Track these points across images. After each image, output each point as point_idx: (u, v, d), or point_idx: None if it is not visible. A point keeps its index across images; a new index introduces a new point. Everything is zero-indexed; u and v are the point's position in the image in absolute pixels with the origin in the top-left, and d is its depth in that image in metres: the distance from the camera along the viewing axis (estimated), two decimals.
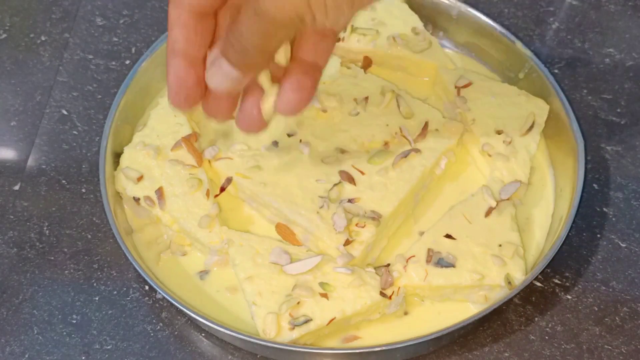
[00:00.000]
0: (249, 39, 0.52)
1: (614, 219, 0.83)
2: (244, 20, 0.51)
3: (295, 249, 0.74)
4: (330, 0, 0.50)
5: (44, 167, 0.86)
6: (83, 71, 0.93)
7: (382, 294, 0.72)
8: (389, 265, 0.74)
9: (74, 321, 0.76)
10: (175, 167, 0.78)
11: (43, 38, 0.97)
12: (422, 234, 0.77)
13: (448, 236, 0.75)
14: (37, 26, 0.98)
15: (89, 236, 0.81)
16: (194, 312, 0.70)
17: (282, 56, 0.56)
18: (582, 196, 0.76)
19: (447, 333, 0.69)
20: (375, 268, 0.74)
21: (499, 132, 0.82)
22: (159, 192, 0.77)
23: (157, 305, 0.77)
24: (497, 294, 0.73)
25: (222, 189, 0.79)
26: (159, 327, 0.76)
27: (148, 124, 0.83)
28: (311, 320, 0.70)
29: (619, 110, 0.91)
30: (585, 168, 0.78)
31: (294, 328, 0.69)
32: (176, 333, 0.76)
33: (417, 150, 0.79)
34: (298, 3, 0.50)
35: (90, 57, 0.95)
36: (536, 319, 0.77)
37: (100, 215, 0.82)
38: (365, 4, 0.52)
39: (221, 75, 0.54)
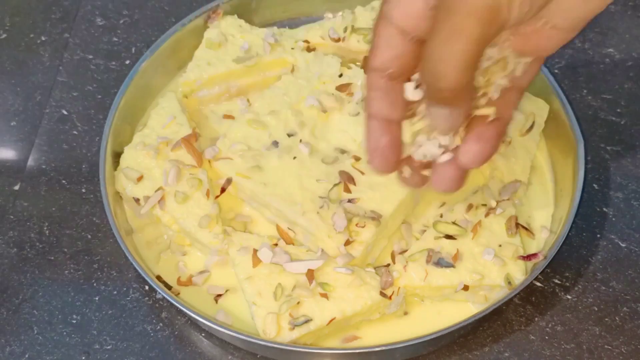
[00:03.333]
0: (444, 53, 0.47)
1: (614, 219, 0.83)
2: (435, 32, 0.47)
3: (296, 249, 0.74)
4: None
5: (44, 167, 0.86)
6: (83, 71, 0.93)
7: (382, 294, 0.72)
8: (389, 265, 0.74)
9: (74, 321, 0.76)
10: (175, 168, 0.78)
11: (43, 38, 0.97)
12: (422, 233, 0.76)
13: (448, 236, 0.75)
14: (37, 26, 0.98)
15: (89, 236, 0.81)
16: (194, 312, 0.70)
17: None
18: (582, 196, 0.76)
19: (447, 333, 0.69)
20: (375, 268, 0.74)
21: None
22: (159, 192, 0.77)
23: (157, 305, 0.77)
24: (497, 294, 0.73)
25: (223, 190, 0.79)
26: (159, 327, 0.76)
27: (148, 124, 0.83)
28: (311, 320, 0.70)
29: (619, 110, 0.91)
30: (585, 168, 0.78)
31: (294, 328, 0.69)
32: (176, 333, 0.76)
33: None
34: None
35: (90, 57, 0.95)
36: (536, 319, 0.77)
37: (100, 215, 0.82)
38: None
39: (433, 115, 0.52)
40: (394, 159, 0.58)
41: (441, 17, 0.47)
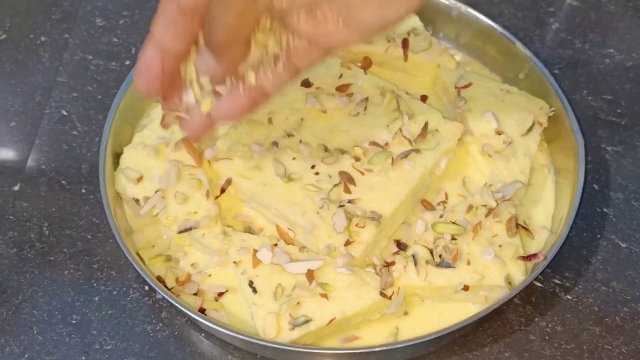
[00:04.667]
0: (219, 19, 0.54)
1: (614, 219, 0.83)
2: (214, 3, 0.53)
3: (296, 249, 0.74)
4: None
5: (44, 167, 0.86)
6: (83, 72, 0.93)
7: (382, 294, 0.72)
8: (389, 265, 0.74)
9: (74, 321, 0.76)
10: (175, 168, 0.78)
11: (43, 39, 0.97)
12: (422, 233, 0.76)
13: (448, 236, 0.75)
14: (37, 27, 0.98)
15: (89, 236, 0.81)
16: (194, 312, 0.70)
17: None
18: (582, 197, 0.76)
19: (447, 333, 0.69)
20: (375, 267, 0.74)
21: (499, 132, 0.82)
22: (159, 192, 0.77)
23: (157, 305, 0.77)
24: (497, 294, 0.73)
25: (223, 190, 0.79)
26: (159, 327, 0.76)
27: (148, 124, 0.83)
28: (311, 320, 0.70)
29: (619, 110, 0.91)
30: (586, 168, 0.78)
31: (294, 328, 0.69)
32: (176, 333, 0.76)
33: (417, 151, 0.79)
34: None
35: (90, 57, 0.95)
36: (536, 319, 0.77)
37: (100, 216, 0.82)
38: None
39: (203, 62, 0.58)
40: (159, 86, 0.59)
41: None
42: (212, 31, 0.55)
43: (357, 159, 0.79)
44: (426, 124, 0.81)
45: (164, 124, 0.66)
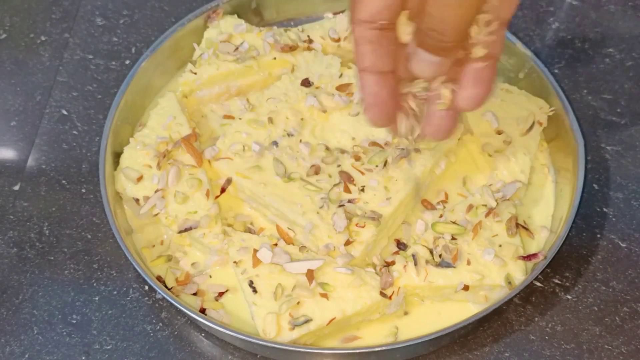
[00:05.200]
0: (439, 22, 0.52)
1: (614, 219, 0.83)
2: (430, 8, 0.52)
3: (296, 249, 0.74)
4: None
5: (44, 167, 0.86)
6: (83, 71, 0.93)
7: (382, 294, 0.72)
8: (389, 264, 0.74)
9: (74, 321, 0.76)
10: (175, 168, 0.78)
11: (43, 38, 0.97)
12: (422, 233, 0.76)
13: (448, 236, 0.75)
14: (37, 26, 0.98)
15: (89, 236, 0.81)
16: (194, 312, 0.70)
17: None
18: (582, 196, 0.76)
19: (447, 333, 0.69)
20: (375, 267, 0.74)
21: (499, 132, 0.82)
22: (159, 192, 0.77)
23: (157, 305, 0.77)
24: (497, 294, 0.73)
25: (223, 190, 0.79)
26: (158, 327, 0.76)
27: (148, 124, 0.83)
28: (311, 320, 0.70)
29: (619, 110, 0.91)
30: (586, 168, 0.78)
31: (294, 328, 0.69)
32: (176, 333, 0.76)
33: (417, 150, 0.79)
34: None
35: (90, 57, 0.95)
36: (536, 319, 0.77)
37: (100, 215, 0.82)
38: None
39: (423, 63, 0.56)
40: (393, 110, 0.59)
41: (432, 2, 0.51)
42: (437, 31, 0.53)
43: (357, 159, 0.79)
44: None
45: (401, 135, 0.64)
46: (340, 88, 0.84)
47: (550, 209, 0.81)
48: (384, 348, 0.70)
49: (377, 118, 0.59)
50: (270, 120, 0.81)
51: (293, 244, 0.76)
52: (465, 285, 0.72)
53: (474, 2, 0.52)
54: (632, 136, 0.89)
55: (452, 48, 0.55)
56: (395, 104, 0.59)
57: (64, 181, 0.85)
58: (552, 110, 0.83)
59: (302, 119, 0.82)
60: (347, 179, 0.77)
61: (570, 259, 0.80)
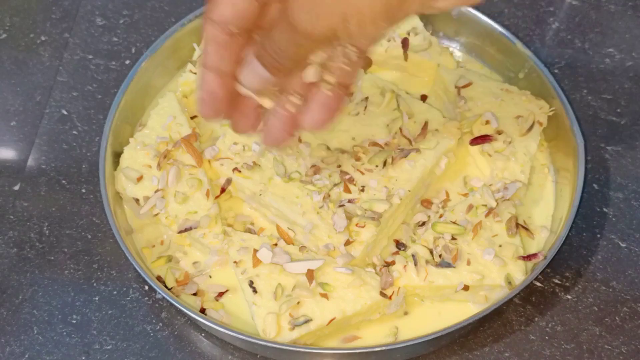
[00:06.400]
0: (282, 47, 0.54)
1: (614, 219, 0.83)
2: (278, 30, 0.53)
3: (296, 249, 0.74)
4: (366, 15, 0.51)
5: (44, 167, 0.86)
6: (83, 71, 0.93)
7: (382, 294, 0.72)
8: (389, 264, 0.74)
9: (74, 321, 0.76)
10: (175, 168, 0.78)
11: (43, 38, 0.97)
12: (422, 233, 0.76)
13: (448, 236, 0.75)
14: (37, 26, 0.98)
15: (89, 236, 0.81)
16: (194, 312, 0.70)
17: (310, 75, 0.57)
18: (582, 196, 0.76)
19: (447, 333, 0.69)
20: (375, 267, 0.74)
21: (499, 132, 0.82)
22: (159, 192, 0.77)
23: (157, 305, 0.77)
24: (497, 294, 0.73)
25: (223, 190, 0.79)
26: (159, 327, 0.76)
27: (148, 124, 0.83)
28: (311, 320, 0.70)
29: (619, 110, 0.91)
30: (586, 168, 0.78)
31: (294, 328, 0.69)
32: (176, 333, 0.76)
33: (417, 150, 0.79)
34: (333, 19, 0.51)
35: (90, 57, 0.95)
36: (536, 319, 0.77)
37: (100, 215, 0.82)
38: (400, 18, 0.53)
39: (254, 75, 0.57)
40: (225, 108, 0.60)
41: (282, 26, 0.53)
42: (275, 56, 0.55)
43: (357, 159, 0.79)
44: (426, 124, 0.81)
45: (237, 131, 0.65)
46: None
47: (550, 209, 0.81)
48: (384, 348, 0.70)
49: (207, 114, 0.60)
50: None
51: (293, 244, 0.76)
52: (465, 285, 0.72)
53: (315, 45, 0.54)
54: (632, 136, 0.89)
55: (286, 71, 0.56)
56: (228, 102, 0.60)
57: (64, 181, 0.85)
58: (552, 110, 0.83)
59: None
60: (347, 179, 0.77)
61: (570, 259, 0.80)
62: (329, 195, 0.76)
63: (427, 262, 0.74)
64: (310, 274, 0.71)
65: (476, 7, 0.91)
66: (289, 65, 0.56)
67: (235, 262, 0.73)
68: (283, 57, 0.55)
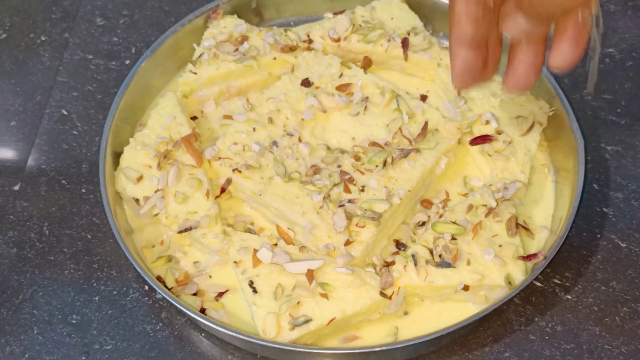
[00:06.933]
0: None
1: (614, 219, 0.83)
2: None
3: (296, 249, 0.74)
4: None
5: (44, 167, 0.86)
6: (83, 71, 0.93)
7: (382, 294, 0.72)
8: (389, 264, 0.74)
9: (74, 321, 0.76)
10: (175, 168, 0.78)
11: (43, 38, 0.97)
12: (422, 233, 0.76)
13: (448, 236, 0.75)
14: (37, 26, 0.98)
15: (89, 236, 0.81)
16: (194, 312, 0.70)
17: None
18: (582, 196, 0.76)
19: (447, 333, 0.69)
20: (375, 267, 0.74)
21: (499, 132, 0.82)
22: (159, 192, 0.77)
23: (157, 305, 0.77)
24: (497, 294, 0.73)
25: (223, 190, 0.79)
26: (158, 327, 0.76)
27: (148, 124, 0.83)
28: (311, 320, 0.70)
29: (619, 110, 0.91)
30: (586, 168, 0.78)
31: (294, 328, 0.69)
32: (176, 333, 0.76)
33: (417, 150, 0.79)
34: None
35: (90, 57, 0.95)
36: (536, 319, 0.77)
37: (100, 215, 0.82)
38: None
39: (516, 26, 0.60)
40: (481, 75, 0.65)
41: None
42: (542, 6, 0.57)
43: (357, 159, 0.79)
44: (426, 124, 0.81)
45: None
46: (340, 88, 0.84)
47: (550, 209, 0.81)
48: (384, 348, 0.70)
49: (466, 84, 0.64)
50: (270, 120, 0.81)
51: (293, 244, 0.76)
52: (465, 285, 0.72)
53: None
54: (632, 136, 0.89)
55: (550, 19, 0.59)
56: (484, 70, 0.64)
57: (64, 181, 0.85)
58: (552, 110, 0.83)
59: (302, 119, 0.82)
60: (347, 179, 0.77)
61: (570, 259, 0.80)
62: (329, 195, 0.76)
63: (427, 262, 0.74)
64: (310, 274, 0.71)
65: None
66: (553, 10, 0.57)
67: (235, 262, 0.73)
68: (549, 6, 0.57)
